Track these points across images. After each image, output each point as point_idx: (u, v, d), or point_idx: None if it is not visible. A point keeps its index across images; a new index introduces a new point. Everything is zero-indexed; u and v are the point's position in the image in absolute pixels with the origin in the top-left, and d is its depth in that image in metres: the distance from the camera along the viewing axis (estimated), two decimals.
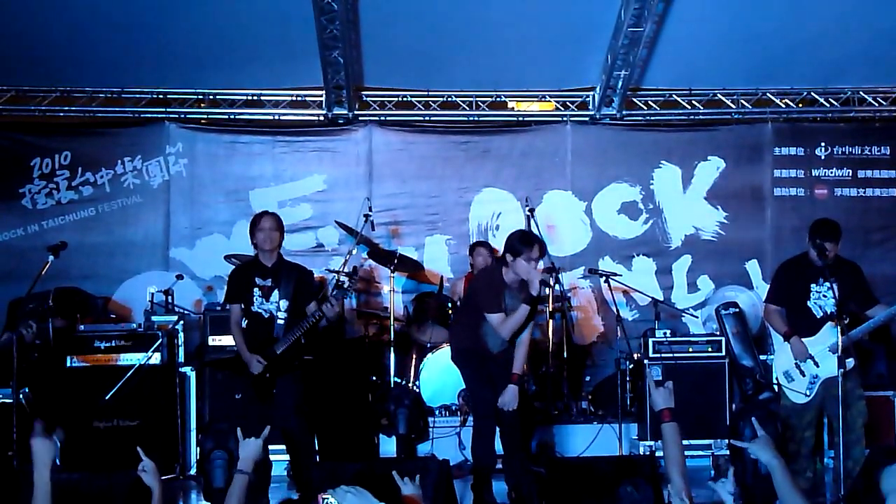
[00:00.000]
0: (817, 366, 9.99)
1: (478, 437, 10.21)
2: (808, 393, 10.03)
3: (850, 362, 9.80)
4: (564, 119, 14.89)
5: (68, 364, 11.70)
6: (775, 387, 10.55)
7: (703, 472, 11.10)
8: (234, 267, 11.39)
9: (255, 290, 10.16)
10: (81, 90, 14.38)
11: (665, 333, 12.46)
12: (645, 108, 14.91)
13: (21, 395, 10.76)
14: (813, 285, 10.10)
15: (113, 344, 11.80)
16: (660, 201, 14.78)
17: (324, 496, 5.69)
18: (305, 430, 10.19)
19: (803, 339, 10.05)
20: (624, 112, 14.71)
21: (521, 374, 10.29)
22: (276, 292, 10.12)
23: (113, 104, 14.54)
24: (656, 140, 14.94)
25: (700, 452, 11.54)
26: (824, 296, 10.04)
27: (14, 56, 13.65)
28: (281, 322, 10.12)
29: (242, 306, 10.24)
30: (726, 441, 10.27)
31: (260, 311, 10.17)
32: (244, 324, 10.27)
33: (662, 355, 12.19)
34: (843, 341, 9.59)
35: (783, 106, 14.89)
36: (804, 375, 10.05)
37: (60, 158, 14.34)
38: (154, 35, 13.19)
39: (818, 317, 10.08)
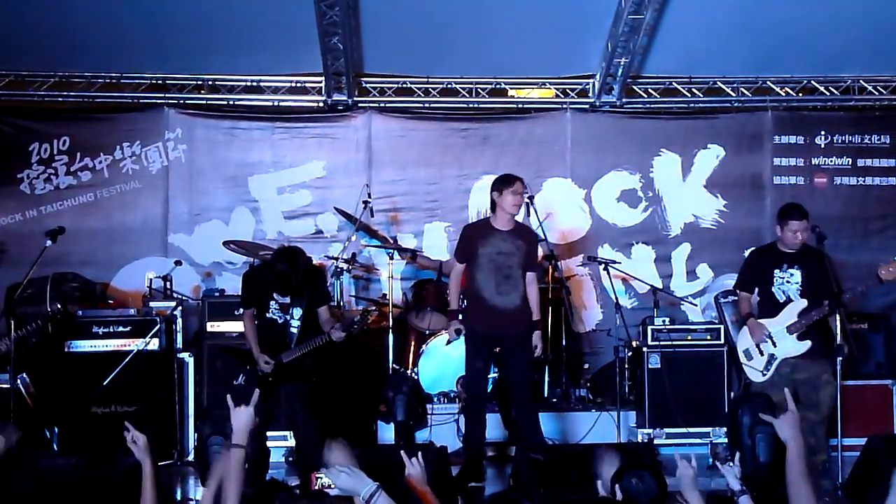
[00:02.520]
0: (775, 346, 10.13)
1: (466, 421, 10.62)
2: (764, 372, 10.16)
3: (806, 344, 10.07)
4: (564, 106, 14.85)
5: (66, 350, 11.71)
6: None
7: (700, 459, 11.12)
8: (247, 271, 11.47)
9: (273, 303, 10.21)
10: (80, 75, 14.35)
11: (664, 321, 12.50)
12: (645, 95, 14.87)
13: (19, 381, 10.81)
14: (776, 270, 10.29)
15: (111, 330, 11.86)
16: (659, 189, 14.75)
17: (317, 475, 5.70)
18: (311, 423, 10.23)
19: (765, 321, 10.17)
20: (624, 100, 14.66)
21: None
22: (294, 308, 10.18)
23: (112, 89, 14.49)
24: (656, 128, 14.91)
25: (698, 440, 11.63)
26: (788, 281, 10.19)
27: (13, 41, 13.63)
28: (294, 330, 10.20)
29: (255, 311, 10.30)
30: (724, 429, 10.29)
31: (274, 317, 10.24)
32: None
33: (661, 343, 12.21)
34: (805, 322, 10.02)
35: (783, 94, 14.86)
36: (762, 355, 10.20)
37: (59, 144, 14.29)
38: (154, 20, 13.16)
39: (780, 301, 10.24)
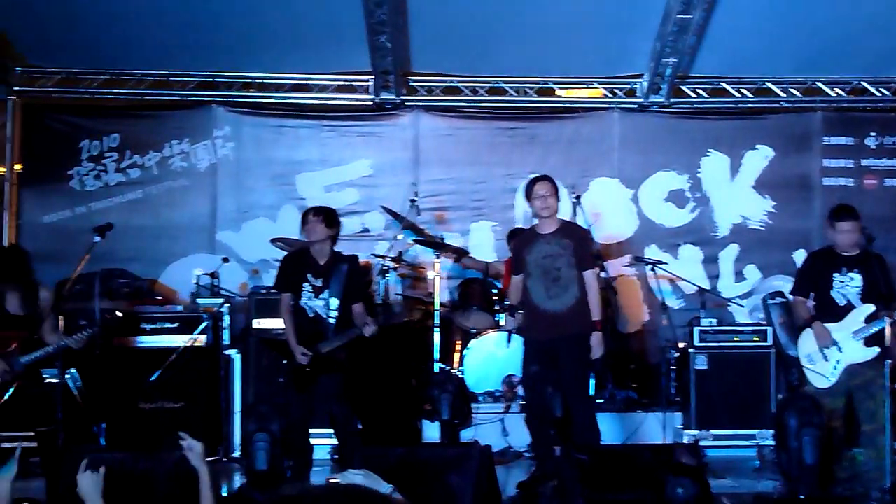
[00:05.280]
0: (840, 351, 9.94)
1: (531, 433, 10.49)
2: (830, 377, 9.99)
3: (874, 350, 9.82)
4: (612, 106, 14.83)
5: (114, 345, 11.73)
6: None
7: (747, 462, 11.11)
8: (286, 253, 11.43)
9: (306, 285, 10.22)
10: (130, 73, 14.48)
11: (711, 322, 12.41)
12: (693, 95, 14.81)
13: (68, 376, 10.83)
14: (836, 274, 10.09)
15: (159, 326, 11.93)
16: (707, 189, 14.70)
17: (332, 479, 5.68)
18: (349, 416, 10.24)
19: (828, 326, 10.02)
20: (672, 100, 14.62)
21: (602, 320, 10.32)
22: (326, 291, 10.18)
23: (161, 87, 14.62)
24: (704, 128, 14.84)
25: (745, 442, 11.55)
26: (848, 285, 10.02)
27: (65, 39, 13.77)
28: (332, 321, 10.19)
29: (291, 298, 10.30)
30: (771, 431, 10.22)
31: (305, 306, 10.24)
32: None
33: (708, 344, 12.16)
34: (872, 328, 9.76)
35: (833, 95, 14.76)
36: (827, 360, 10.01)
37: (109, 141, 14.43)
38: (203, 18, 13.27)
39: (841, 305, 10.05)
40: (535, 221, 10.47)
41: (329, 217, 10.29)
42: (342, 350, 10.18)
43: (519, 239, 10.83)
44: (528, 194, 10.37)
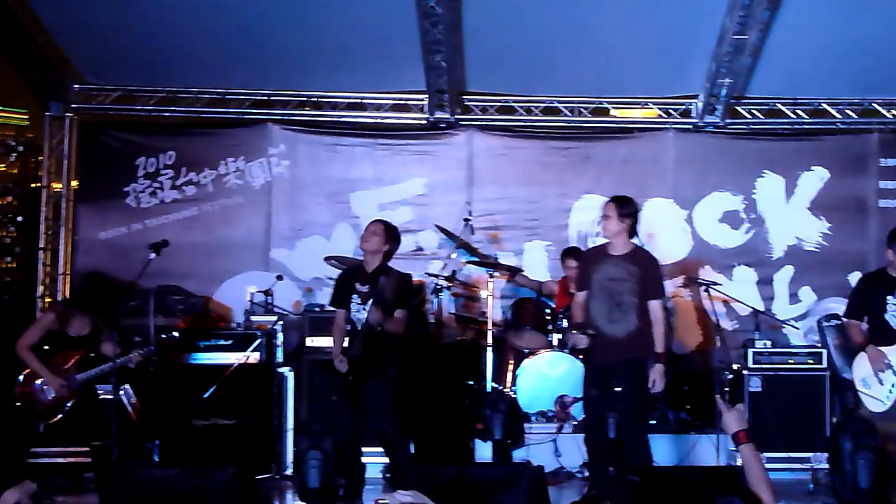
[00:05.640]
0: None
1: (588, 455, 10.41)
2: (886, 401, 9.90)
3: None
4: (667, 127, 14.80)
5: (169, 362, 11.71)
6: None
7: (801, 485, 11.01)
8: (340, 271, 11.45)
9: (354, 296, 10.24)
10: (187, 91, 14.55)
11: (765, 344, 12.31)
12: (748, 116, 14.73)
13: (122, 392, 10.89)
14: (889, 297, 10.03)
15: (213, 343, 11.95)
16: (762, 211, 14.62)
17: (381, 500, 5.67)
18: (400, 434, 10.23)
19: (882, 349, 9.92)
20: (727, 120, 14.55)
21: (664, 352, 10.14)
22: (371, 299, 10.15)
23: (217, 105, 14.70)
24: (759, 149, 14.78)
25: (799, 465, 11.44)
26: None
27: (122, 57, 13.89)
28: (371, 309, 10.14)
29: (345, 311, 10.31)
30: (825, 454, 10.13)
31: (354, 319, 10.25)
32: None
33: (762, 366, 12.08)
34: None
35: (889, 116, 14.65)
36: (882, 384, 9.93)
37: (165, 158, 14.50)
38: (259, 37, 13.33)
39: (895, 328, 9.97)
40: (595, 242, 10.41)
41: (388, 231, 10.34)
42: (379, 354, 10.12)
43: (588, 255, 10.74)
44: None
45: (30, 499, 5.87)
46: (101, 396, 10.29)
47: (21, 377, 10.07)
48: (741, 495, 6.17)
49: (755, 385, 11.98)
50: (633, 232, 10.16)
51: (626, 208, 10.15)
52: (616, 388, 9.86)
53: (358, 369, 10.08)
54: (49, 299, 13.92)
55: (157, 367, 10.88)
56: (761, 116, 14.77)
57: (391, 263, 10.39)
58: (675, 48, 13.61)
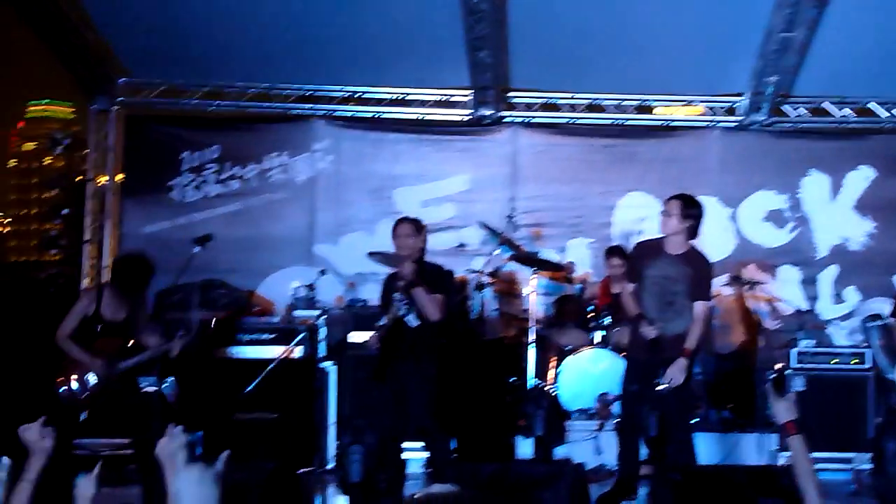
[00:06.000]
0: None
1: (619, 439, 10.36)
2: None
3: None
4: (711, 125, 14.76)
5: (213, 355, 11.89)
6: None
7: (844, 486, 10.95)
8: (382, 268, 11.25)
9: (396, 294, 10.13)
10: (232, 85, 14.64)
11: (809, 344, 12.25)
12: (794, 115, 14.64)
13: (165, 385, 10.86)
14: None
15: (256, 337, 12.04)
16: (807, 210, 14.57)
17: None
18: (440, 429, 10.18)
19: None
20: (772, 118, 14.46)
21: (693, 350, 9.92)
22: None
23: (262, 100, 14.81)
24: (805, 148, 14.71)
25: (841, 465, 11.35)
26: None
27: (168, 51, 13.91)
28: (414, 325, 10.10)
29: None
30: (868, 455, 10.09)
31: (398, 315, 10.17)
32: None
33: (806, 366, 12.02)
34: None
35: None
36: None
37: (210, 152, 14.63)
38: (304, 33, 13.34)
39: None
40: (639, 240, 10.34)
41: (418, 228, 10.27)
42: (429, 358, 10.05)
43: (643, 248, 10.51)
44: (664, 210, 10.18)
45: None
46: (144, 389, 10.32)
47: (64, 367, 10.01)
48: (784, 497, 6.15)
49: (799, 385, 11.91)
50: (693, 233, 10.06)
51: (690, 209, 10.04)
52: (658, 387, 9.75)
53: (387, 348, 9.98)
54: None
55: (201, 359, 11.08)
56: (807, 115, 14.67)
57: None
58: (720, 46, 13.53)
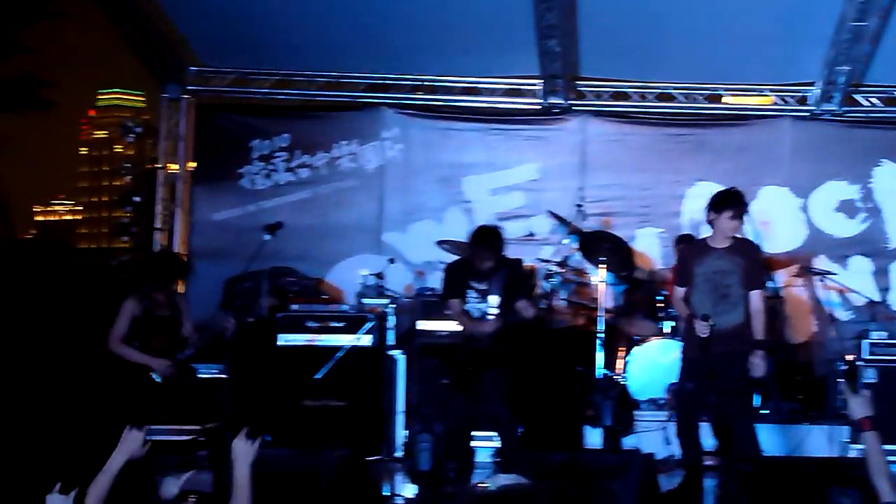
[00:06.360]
0: None
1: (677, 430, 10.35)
2: None
3: None
4: (783, 114, 14.62)
5: (280, 343, 11.87)
6: None
7: None
8: (449, 261, 11.44)
9: (470, 291, 10.24)
10: (301, 74, 14.70)
11: (881, 335, 12.11)
12: (866, 104, 14.50)
13: (224, 371, 11.00)
14: None
15: (324, 325, 11.96)
16: (879, 200, 14.40)
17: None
18: (513, 419, 10.25)
19: None
20: (844, 108, 14.31)
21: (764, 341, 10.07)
22: (489, 294, 10.18)
23: (332, 88, 14.87)
24: (877, 137, 14.55)
25: None
26: None
27: (237, 40, 14.03)
28: (491, 318, 10.17)
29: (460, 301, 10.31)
30: None
31: (472, 309, 10.27)
32: None
33: (878, 357, 11.88)
34: None
35: None
36: None
37: (279, 140, 14.66)
38: (373, 22, 13.37)
39: None
40: (707, 232, 10.31)
41: (497, 243, 10.22)
42: (502, 345, 10.12)
43: (687, 249, 10.66)
44: (716, 210, 10.05)
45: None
46: (210, 376, 10.39)
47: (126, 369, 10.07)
48: (856, 486, 6.10)
49: (870, 376, 11.79)
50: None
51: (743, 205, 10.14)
52: (719, 380, 9.93)
53: (478, 360, 10.07)
54: None
55: (264, 343, 11.33)
56: (880, 104, 14.53)
57: None
58: (791, 34, 13.40)
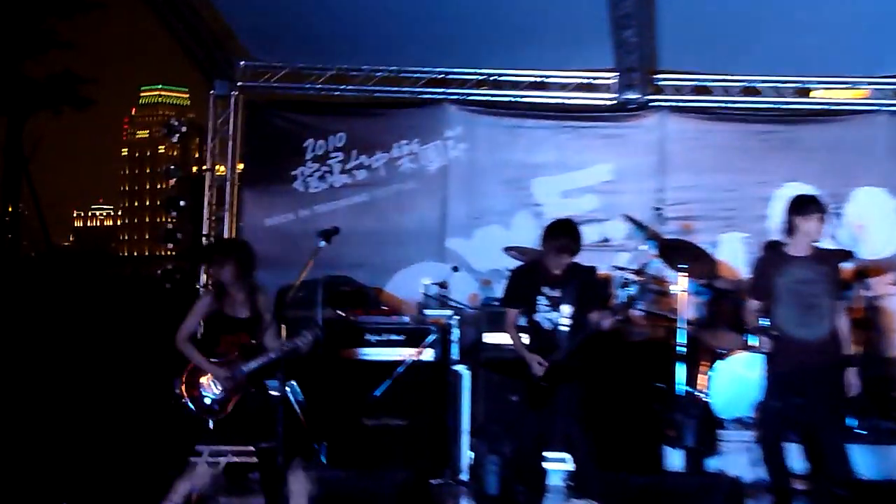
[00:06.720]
0: None
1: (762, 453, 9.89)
2: None
3: None
4: (878, 109, 14.19)
5: (339, 356, 11.58)
6: None
7: None
8: (516, 266, 11.03)
9: (541, 297, 9.83)
10: (358, 69, 14.57)
11: None
12: None
13: (289, 389, 10.68)
14: None
15: (384, 338, 11.70)
16: None
17: None
18: (589, 439, 9.80)
19: None
20: None
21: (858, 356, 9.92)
22: (562, 302, 9.77)
23: (390, 84, 14.65)
24: None
25: None
26: None
27: (290, 32, 13.87)
28: (564, 328, 9.77)
29: (520, 312, 9.98)
30: None
31: (542, 320, 9.86)
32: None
33: None
34: None
35: None
36: None
37: (335, 140, 14.59)
38: (435, 12, 13.17)
39: None
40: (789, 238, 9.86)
41: (575, 240, 9.81)
42: (578, 359, 9.74)
43: (763, 261, 10.22)
44: (797, 214, 9.62)
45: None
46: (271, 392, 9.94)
47: (184, 374, 9.55)
48: None
49: None
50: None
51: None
52: (808, 397, 9.57)
53: (554, 375, 9.65)
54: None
55: (326, 359, 10.98)
56: None
57: None
58: (884, 24, 12.90)
